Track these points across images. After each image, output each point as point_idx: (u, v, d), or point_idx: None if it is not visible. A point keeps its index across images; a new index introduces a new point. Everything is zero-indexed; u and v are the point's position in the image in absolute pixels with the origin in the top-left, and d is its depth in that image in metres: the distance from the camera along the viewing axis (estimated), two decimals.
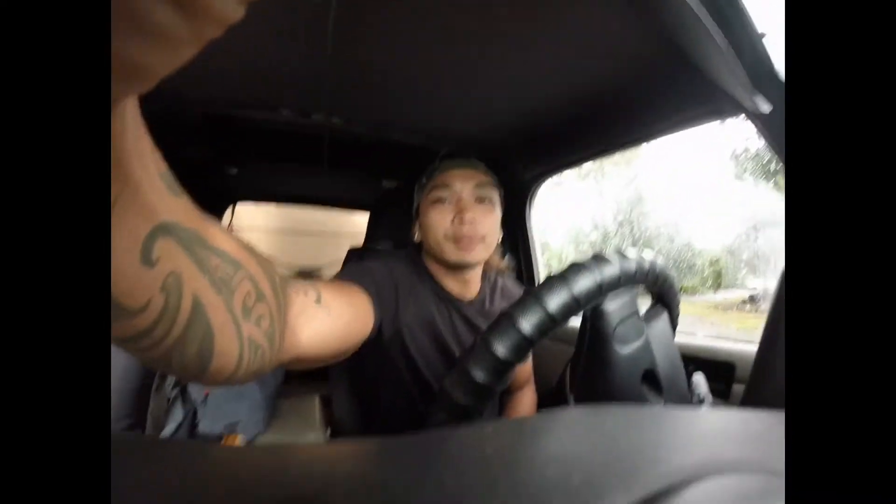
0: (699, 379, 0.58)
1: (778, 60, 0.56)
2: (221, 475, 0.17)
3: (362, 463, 0.20)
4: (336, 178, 1.63)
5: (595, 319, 0.48)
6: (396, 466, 0.19)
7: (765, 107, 0.59)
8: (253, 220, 2.40)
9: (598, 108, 0.90)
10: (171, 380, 1.20)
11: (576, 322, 0.51)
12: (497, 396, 0.86)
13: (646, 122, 0.89)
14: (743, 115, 0.67)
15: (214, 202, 1.80)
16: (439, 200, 0.71)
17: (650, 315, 0.58)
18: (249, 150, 1.34)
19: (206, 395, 1.18)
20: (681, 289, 0.62)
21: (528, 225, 1.36)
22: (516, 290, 0.85)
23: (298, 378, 1.50)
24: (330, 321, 0.46)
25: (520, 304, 0.43)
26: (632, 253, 0.50)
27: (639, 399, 0.51)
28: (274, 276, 0.33)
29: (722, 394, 0.82)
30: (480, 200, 0.72)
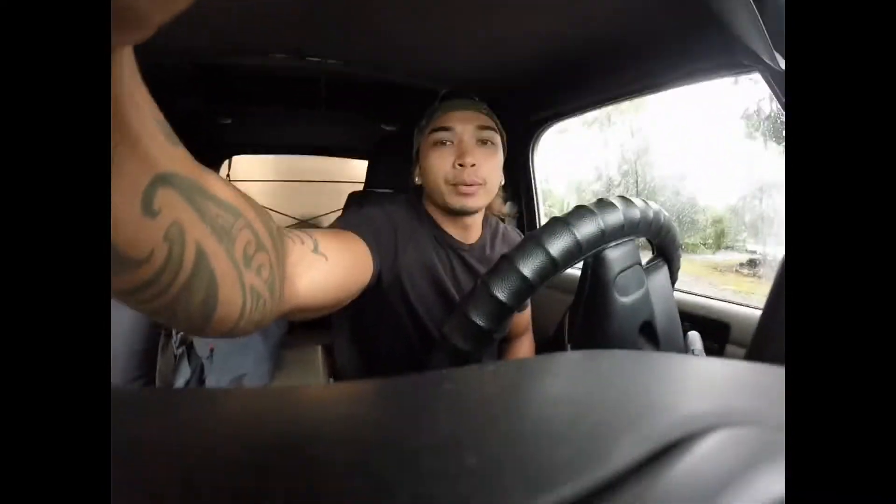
0: (694, 336, 0.58)
1: None
2: (214, 418, 0.17)
3: (359, 403, 0.19)
4: (334, 124, 1.59)
5: (596, 266, 0.47)
6: (395, 406, 0.18)
7: (783, 63, 0.56)
8: (249, 172, 2.36)
9: (608, 52, 0.85)
10: (176, 338, 1.22)
11: (574, 272, 0.50)
12: (496, 344, 0.88)
13: (656, 71, 0.86)
14: (757, 74, 0.65)
15: (209, 155, 1.76)
16: (439, 143, 0.68)
17: (650, 267, 0.57)
18: (242, 98, 1.30)
19: (212, 351, 1.19)
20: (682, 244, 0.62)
21: (531, 171, 1.33)
22: (517, 237, 0.84)
23: (301, 328, 1.53)
24: (327, 269, 0.45)
25: (521, 248, 0.42)
26: (637, 201, 0.49)
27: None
28: (271, 226, 0.33)
29: (715, 353, 0.82)
30: (482, 143, 0.69)
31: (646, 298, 0.52)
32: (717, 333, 0.83)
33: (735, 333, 0.82)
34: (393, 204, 0.72)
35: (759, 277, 1.42)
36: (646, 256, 0.56)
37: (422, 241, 0.70)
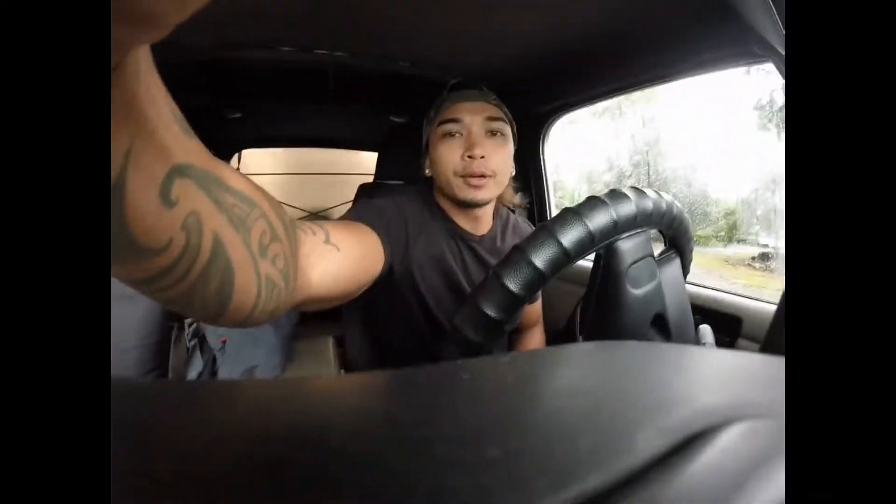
0: (706, 329, 0.58)
1: None
2: (227, 409, 0.17)
3: (374, 394, 0.19)
4: (342, 116, 1.58)
5: (609, 258, 0.47)
6: (411, 397, 0.18)
7: None
8: (259, 165, 2.37)
9: (618, 41, 0.83)
10: (188, 331, 1.23)
11: (586, 263, 0.50)
12: (506, 335, 0.87)
13: (667, 61, 0.84)
14: (770, 64, 0.63)
15: (219, 150, 1.77)
16: (448, 135, 0.68)
17: (663, 259, 0.56)
18: (251, 92, 1.30)
19: (224, 343, 1.19)
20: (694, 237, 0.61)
21: (541, 162, 1.31)
22: (528, 228, 0.83)
23: (312, 319, 1.54)
24: (339, 260, 0.45)
25: (532, 239, 0.42)
26: (650, 192, 0.48)
27: None
28: (285, 217, 0.33)
29: (727, 347, 0.81)
30: (492, 134, 0.68)
31: (658, 291, 0.52)
32: (729, 327, 0.82)
33: (747, 327, 0.80)
34: (403, 195, 0.72)
35: (772, 271, 1.40)
36: (658, 248, 0.56)
37: (433, 233, 0.70)
